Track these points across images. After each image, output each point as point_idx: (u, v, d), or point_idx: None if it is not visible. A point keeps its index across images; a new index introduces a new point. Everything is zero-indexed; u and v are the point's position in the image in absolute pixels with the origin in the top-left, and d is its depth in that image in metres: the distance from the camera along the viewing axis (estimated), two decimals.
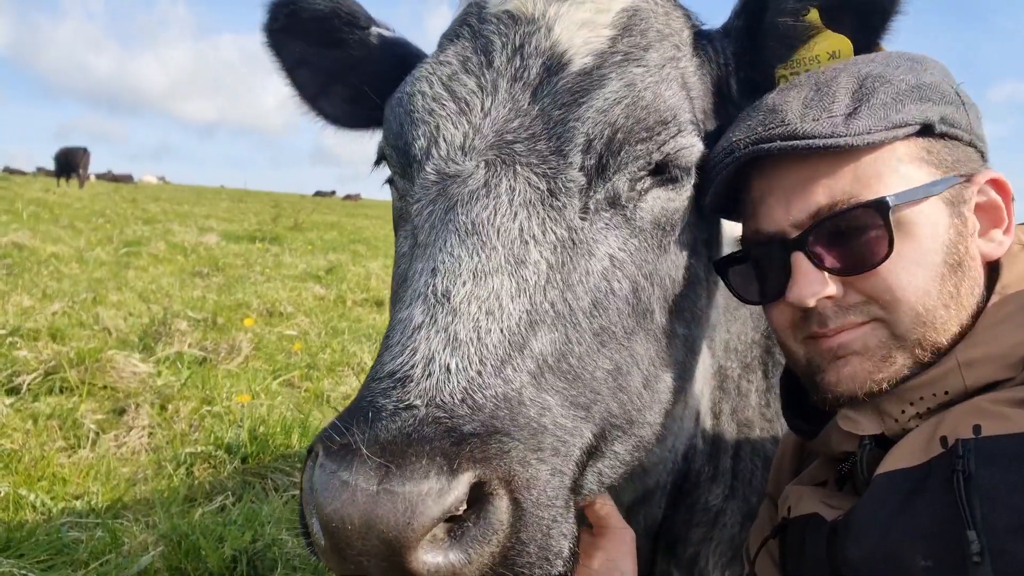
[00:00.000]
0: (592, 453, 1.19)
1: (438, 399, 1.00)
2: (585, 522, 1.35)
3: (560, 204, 1.23)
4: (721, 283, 1.53)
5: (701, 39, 1.52)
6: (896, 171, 1.24)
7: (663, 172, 1.33)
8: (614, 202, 1.29)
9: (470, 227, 1.17)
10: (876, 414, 1.29)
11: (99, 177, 61.47)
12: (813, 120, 1.24)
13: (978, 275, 1.29)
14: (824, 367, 1.31)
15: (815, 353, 1.32)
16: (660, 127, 1.30)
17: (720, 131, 1.46)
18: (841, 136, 1.21)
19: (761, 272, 1.39)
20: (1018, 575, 1.00)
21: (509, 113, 1.28)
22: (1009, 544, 1.01)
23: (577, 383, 1.16)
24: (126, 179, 66.46)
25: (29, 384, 5.31)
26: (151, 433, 4.90)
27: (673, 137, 1.31)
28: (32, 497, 3.90)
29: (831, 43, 1.40)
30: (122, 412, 5.11)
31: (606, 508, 1.36)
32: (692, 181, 1.38)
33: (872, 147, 1.23)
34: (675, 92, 1.35)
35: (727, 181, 1.34)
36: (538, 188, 1.23)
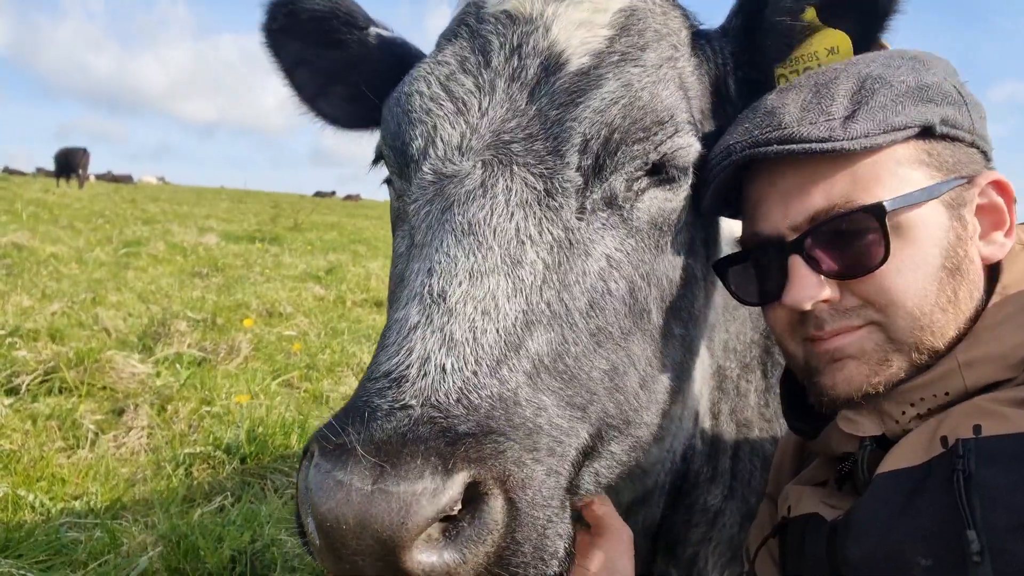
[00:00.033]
0: (588, 453, 1.19)
1: (433, 399, 1.00)
2: (582, 522, 1.35)
3: (557, 204, 1.23)
4: (720, 283, 1.53)
5: (699, 39, 1.52)
6: (895, 174, 1.23)
7: (660, 172, 1.32)
8: (611, 202, 1.29)
9: (466, 227, 1.17)
10: (876, 415, 1.29)
11: (99, 177, 61.48)
12: (810, 123, 1.23)
13: (977, 278, 1.28)
14: (821, 369, 1.31)
15: (812, 355, 1.32)
16: (657, 127, 1.30)
17: (718, 131, 1.46)
18: (838, 140, 1.20)
19: (759, 274, 1.39)
20: (1018, 574, 1.00)
21: (506, 113, 1.28)
22: (1009, 543, 1.01)
23: (573, 383, 1.16)
24: (126, 179, 66.45)
25: (28, 384, 5.31)
26: (150, 433, 4.90)
27: (670, 137, 1.31)
28: (31, 497, 3.90)
29: (829, 39, 1.40)
30: (121, 412, 5.11)
31: (603, 508, 1.36)
32: (689, 181, 1.37)
33: (870, 150, 1.22)
34: (672, 92, 1.35)
35: (725, 183, 1.34)
36: (535, 188, 1.23)
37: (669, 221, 1.36)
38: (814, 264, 1.26)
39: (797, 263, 1.27)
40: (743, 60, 1.51)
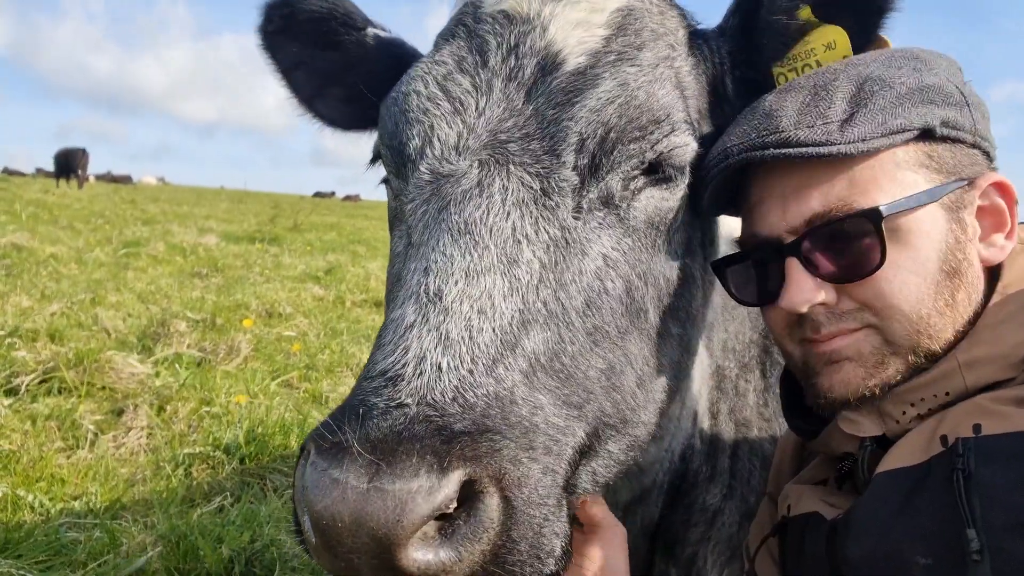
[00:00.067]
0: (585, 452, 1.19)
1: (429, 397, 1.00)
2: (576, 522, 1.35)
3: (553, 203, 1.23)
4: (718, 283, 1.53)
5: (696, 39, 1.52)
6: (894, 177, 1.23)
7: (657, 171, 1.32)
8: (607, 201, 1.29)
9: (463, 226, 1.17)
10: (877, 415, 1.29)
11: (98, 178, 61.47)
12: (807, 127, 1.22)
13: (976, 280, 1.27)
14: (819, 371, 1.31)
15: (810, 356, 1.32)
16: (653, 126, 1.30)
17: (716, 130, 1.46)
18: (835, 144, 1.19)
19: (757, 274, 1.39)
20: (1017, 573, 1.01)
21: (503, 113, 1.28)
22: (1008, 542, 1.02)
23: (570, 382, 1.16)
24: (125, 180, 66.42)
25: (28, 385, 5.31)
26: (150, 434, 4.90)
27: (666, 136, 1.31)
28: (30, 498, 3.90)
29: (826, 34, 1.39)
30: (120, 413, 5.11)
31: (596, 507, 1.36)
32: (686, 180, 1.37)
33: (868, 154, 1.21)
34: (668, 91, 1.35)
35: (723, 184, 1.34)
36: (531, 187, 1.23)
37: (666, 220, 1.36)
38: (811, 267, 1.26)
39: (794, 266, 1.27)
40: (740, 59, 1.51)
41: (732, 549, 1.90)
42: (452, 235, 1.17)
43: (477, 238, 1.16)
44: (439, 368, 1.03)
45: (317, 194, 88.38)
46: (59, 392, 5.35)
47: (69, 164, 43.21)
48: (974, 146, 1.28)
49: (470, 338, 1.07)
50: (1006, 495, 1.04)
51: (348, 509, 0.91)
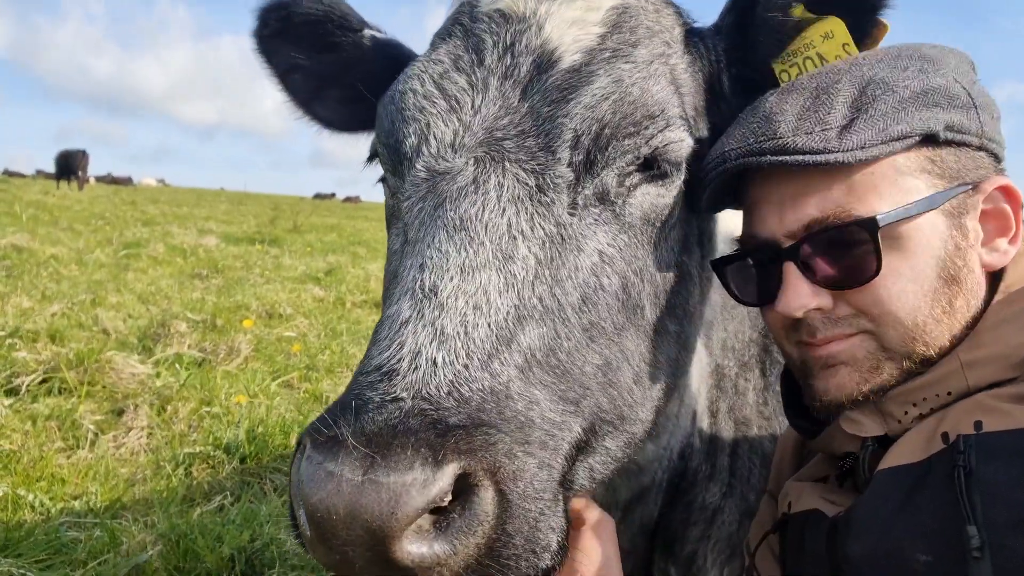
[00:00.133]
0: (582, 448, 1.20)
1: (424, 392, 1.01)
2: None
3: (549, 200, 1.23)
4: (716, 281, 1.52)
5: (692, 36, 1.52)
6: (894, 183, 1.21)
7: (652, 167, 1.33)
8: (603, 198, 1.29)
9: (458, 223, 1.17)
10: (879, 415, 1.28)
11: (98, 179, 61.49)
12: (806, 133, 1.20)
13: (977, 287, 1.26)
14: (816, 373, 1.31)
15: (807, 358, 1.32)
16: (648, 121, 1.30)
17: (712, 128, 1.46)
18: (832, 152, 1.18)
19: (757, 274, 1.38)
20: (1018, 570, 1.00)
21: (499, 110, 1.28)
22: (1009, 539, 1.01)
23: (566, 378, 1.16)
24: (125, 181, 66.44)
25: (28, 385, 5.32)
26: (150, 434, 4.91)
27: (661, 131, 1.31)
28: (31, 497, 3.90)
29: (823, 26, 1.38)
30: (121, 413, 5.12)
31: (581, 501, 1.36)
32: (682, 177, 1.37)
33: (867, 162, 1.20)
34: (663, 87, 1.35)
35: (722, 187, 1.33)
36: (527, 184, 1.23)
37: (662, 217, 1.36)
38: (808, 272, 1.25)
39: (791, 270, 1.27)
40: (736, 57, 1.51)
41: (732, 547, 1.89)
42: (448, 231, 1.17)
43: (473, 234, 1.16)
44: (434, 363, 1.03)
45: (317, 195, 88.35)
46: (59, 392, 5.36)
47: (69, 166, 43.25)
48: (980, 148, 1.26)
49: (465, 333, 1.07)
50: (1008, 492, 1.03)
51: (343, 502, 0.91)
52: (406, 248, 1.27)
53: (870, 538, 1.17)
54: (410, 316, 1.09)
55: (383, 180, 1.52)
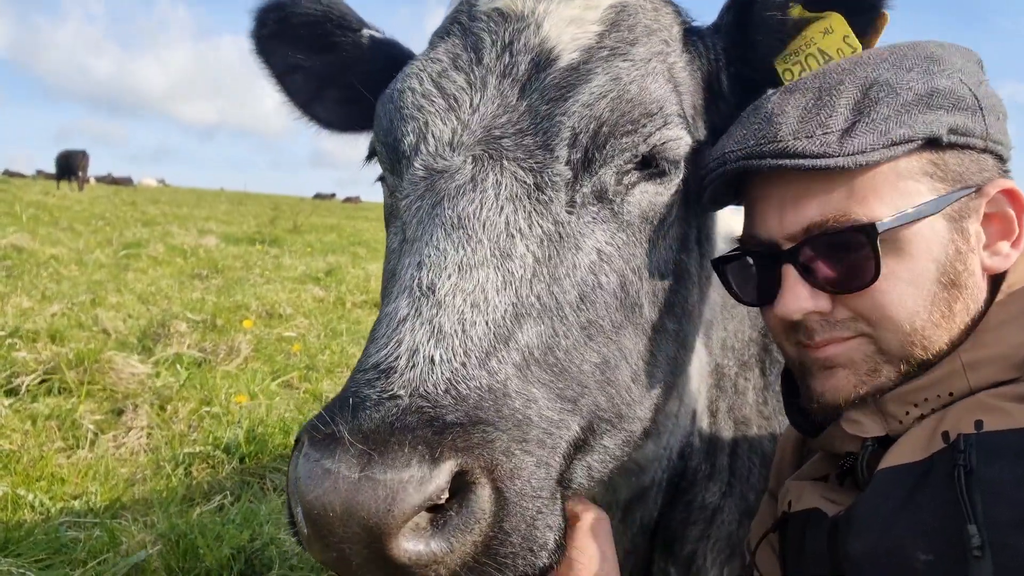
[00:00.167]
0: (580, 446, 1.20)
1: (422, 389, 1.01)
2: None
3: (547, 198, 1.23)
4: (715, 279, 1.52)
5: (691, 35, 1.52)
6: (895, 187, 1.20)
7: (650, 165, 1.33)
8: (601, 196, 1.29)
9: (456, 221, 1.17)
10: (880, 416, 1.28)
11: (99, 180, 61.49)
12: (806, 137, 1.19)
13: (977, 291, 1.25)
14: (814, 374, 1.31)
15: (805, 359, 1.32)
16: (645, 119, 1.30)
17: (711, 127, 1.46)
18: (832, 156, 1.17)
19: (757, 274, 1.38)
20: (1019, 569, 1.00)
21: (497, 109, 1.28)
22: (1010, 538, 1.01)
23: (564, 376, 1.16)
24: (125, 182, 66.43)
25: (28, 385, 5.31)
26: (150, 434, 4.91)
27: (659, 129, 1.31)
28: (31, 497, 3.90)
29: (822, 22, 1.37)
30: (121, 413, 5.12)
31: (579, 500, 1.36)
32: (680, 175, 1.37)
33: (867, 166, 1.19)
34: (661, 85, 1.35)
35: (723, 188, 1.33)
36: (525, 182, 1.23)
37: (660, 215, 1.36)
38: (807, 275, 1.25)
39: (790, 273, 1.26)
40: (735, 56, 1.51)
41: (732, 547, 1.89)
42: (446, 230, 1.17)
43: (470, 232, 1.16)
44: (432, 361, 1.03)
45: (317, 196, 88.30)
46: (59, 392, 5.35)
47: (70, 166, 43.25)
48: (985, 151, 1.24)
49: (463, 331, 1.07)
50: (1009, 491, 1.03)
51: (339, 499, 0.91)
52: (404, 246, 1.27)
53: (871, 536, 1.17)
54: (408, 314, 1.09)
55: (382, 179, 1.52)
